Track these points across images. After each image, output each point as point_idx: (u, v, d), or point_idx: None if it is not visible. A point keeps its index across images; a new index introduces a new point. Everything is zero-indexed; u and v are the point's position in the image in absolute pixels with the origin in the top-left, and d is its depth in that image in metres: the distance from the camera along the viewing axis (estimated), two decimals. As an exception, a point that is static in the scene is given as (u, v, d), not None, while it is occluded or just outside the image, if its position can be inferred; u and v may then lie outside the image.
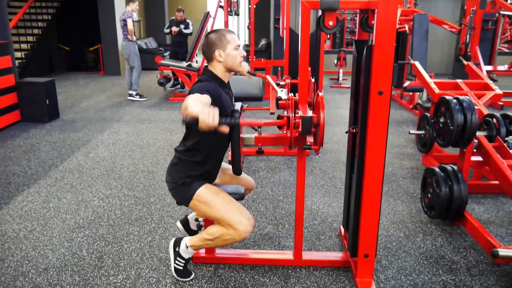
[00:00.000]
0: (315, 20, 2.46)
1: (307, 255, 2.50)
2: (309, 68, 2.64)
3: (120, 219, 3.03)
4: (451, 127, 2.64)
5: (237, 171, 2.14)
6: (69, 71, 10.95)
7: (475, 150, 2.91)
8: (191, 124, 1.64)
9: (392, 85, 6.32)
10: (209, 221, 2.36)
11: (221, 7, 7.03)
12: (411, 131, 3.79)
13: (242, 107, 2.20)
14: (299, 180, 2.29)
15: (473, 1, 7.73)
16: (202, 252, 2.51)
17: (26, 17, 9.39)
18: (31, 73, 8.72)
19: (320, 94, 2.00)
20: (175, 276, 2.31)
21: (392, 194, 3.48)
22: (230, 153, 3.56)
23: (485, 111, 3.32)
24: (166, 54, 10.41)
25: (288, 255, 2.50)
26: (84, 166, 4.08)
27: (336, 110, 6.78)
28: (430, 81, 3.84)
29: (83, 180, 3.73)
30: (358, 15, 2.28)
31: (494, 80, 7.44)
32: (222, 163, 2.36)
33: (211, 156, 2.12)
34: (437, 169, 2.86)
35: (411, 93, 6.70)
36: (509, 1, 7.74)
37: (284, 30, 4.71)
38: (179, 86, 8.31)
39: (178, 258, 2.29)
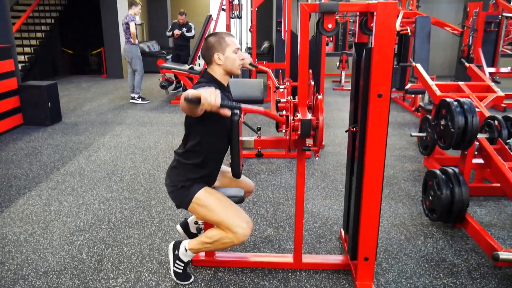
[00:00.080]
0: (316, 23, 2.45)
1: (307, 258, 2.49)
2: (310, 71, 2.65)
3: (121, 222, 3.03)
4: (452, 130, 2.63)
5: (236, 174, 2.13)
6: (72, 74, 11.00)
7: (476, 153, 2.90)
8: (194, 102, 1.63)
9: (394, 87, 6.34)
10: (208, 224, 2.35)
11: (223, 10, 7.05)
12: (413, 134, 3.79)
13: (241, 110, 2.19)
14: (299, 183, 2.29)
15: (476, 3, 7.71)
16: (202, 255, 2.50)
17: (30, 21, 9.46)
18: (34, 77, 8.77)
19: (319, 97, 2.00)
20: (175, 279, 2.31)
21: (394, 197, 3.47)
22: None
23: (487, 113, 3.31)
24: (168, 57, 10.44)
25: (288, 258, 2.49)
26: (86, 169, 4.09)
27: (338, 112, 6.77)
28: (432, 83, 3.83)
29: (84, 183, 3.74)
30: (358, 17, 2.27)
31: (497, 82, 7.43)
32: (222, 166, 2.36)
33: (210, 158, 2.12)
34: (438, 172, 2.85)
35: (413, 96, 6.68)
36: None
37: (286, 33, 4.71)
38: (181, 89, 8.33)
39: (177, 261, 2.28)
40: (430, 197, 2.90)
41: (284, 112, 2.10)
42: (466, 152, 2.90)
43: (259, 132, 2.26)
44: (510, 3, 7.62)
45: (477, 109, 2.68)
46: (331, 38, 10.68)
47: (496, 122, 3.11)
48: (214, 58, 2.06)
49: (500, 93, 3.75)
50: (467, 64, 4.30)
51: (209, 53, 2.06)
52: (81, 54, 11.06)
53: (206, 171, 2.14)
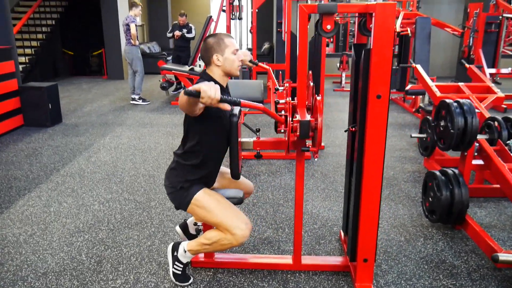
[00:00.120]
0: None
1: (306, 260, 2.48)
2: (310, 72, 2.65)
3: (120, 223, 3.03)
4: (452, 131, 2.63)
5: (235, 175, 2.13)
6: (73, 75, 11.01)
7: (476, 154, 2.89)
8: (193, 95, 1.63)
9: (395, 88, 6.34)
10: (208, 226, 2.35)
11: (223, 11, 7.05)
12: (413, 135, 3.78)
13: (240, 111, 2.19)
14: (298, 184, 2.28)
15: (476, 4, 7.71)
16: (201, 256, 2.50)
17: (30, 22, 9.47)
18: (35, 78, 8.78)
19: (318, 98, 2.00)
20: (174, 280, 2.31)
21: (394, 198, 3.46)
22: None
23: (487, 114, 3.30)
24: (169, 58, 10.45)
25: (287, 259, 2.49)
26: (86, 170, 4.09)
27: (339, 113, 6.76)
28: (432, 84, 3.82)
29: (84, 184, 3.74)
30: (356, 18, 2.27)
31: (497, 83, 7.41)
32: (221, 167, 2.36)
33: (209, 158, 2.12)
34: (438, 173, 2.85)
35: (413, 96, 6.67)
36: (512, 4, 7.70)
37: (286, 34, 4.71)
38: (181, 90, 8.33)
39: (176, 263, 2.28)
40: (430, 198, 2.89)
41: (283, 112, 2.09)
42: (466, 153, 2.89)
43: (258, 134, 2.26)
44: (510, 4, 7.62)
45: (477, 110, 2.68)
46: (331, 39, 10.68)
47: (496, 123, 3.10)
48: (213, 59, 2.06)
49: (500, 94, 3.75)
50: (467, 65, 4.29)
51: (208, 54, 2.06)
52: (82, 55, 11.07)
53: (205, 172, 2.14)
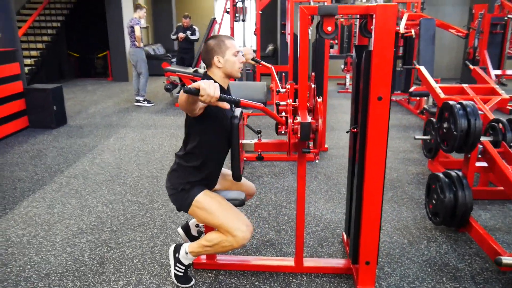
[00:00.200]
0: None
1: (308, 262, 2.48)
2: (313, 73, 2.64)
3: (123, 225, 3.04)
4: (455, 132, 2.61)
5: (236, 177, 2.13)
6: (78, 77, 11.07)
7: (480, 156, 2.87)
8: (193, 93, 1.63)
9: (399, 89, 6.32)
10: (209, 227, 2.35)
11: (227, 12, 7.07)
12: (416, 136, 3.77)
13: (242, 112, 2.19)
14: (300, 186, 2.28)
15: (481, 5, 7.68)
16: (203, 258, 2.50)
17: (36, 25, 9.54)
18: (40, 80, 8.83)
19: (319, 99, 1.99)
20: (175, 282, 2.31)
21: (397, 200, 3.45)
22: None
23: (491, 116, 3.28)
24: (174, 60, 10.48)
25: (289, 261, 2.48)
26: (89, 172, 4.10)
27: (343, 115, 6.74)
28: (436, 85, 3.81)
29: (87, 186, 3.76)
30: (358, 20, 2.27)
31: (503, 85, 7.37)
32: (223, 168, 2.36)
33: (210, 159, 2.12)
34: (441, 175, 2.83)
35: (418, 98, 6.65)
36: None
37: (289, 36, 4.71)
38: (184, 91, 8.34)
39: (178, 264, 2.28)
40: (434, 201, 2.87)
41: (284, 114, 2.09)
42: (469, 155, 2.87)
43: (259, 135, 2.26)
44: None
45: (481, 112, 2.67)
46: (336, 41, 10.67)
47: (500, 125, 3.08)
48: (214, 61, 2.06)
49: (505, 96, 3.71)
50: (471, 67, 4.27)
51: (208, 56, 2.07)
52: (87, 57, 11.13)
53: (206, 173, 2.14)
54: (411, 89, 5.08)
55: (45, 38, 9.48)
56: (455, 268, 2.49)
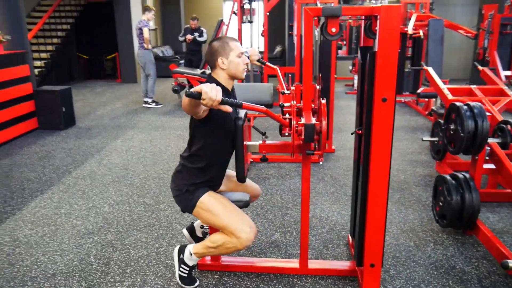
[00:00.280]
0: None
1: (313, 264, 2.47)
2: (320, 75, 2.64)
3: (129, 226, 3.05)
4: (462, 134, 2.59)
5: (241, 178, 2.13)
6: (88, 79, 11.17)
7: (487, 158, 2.84)
8: (194, 97, 1.64)
9: (408, 91, 6.28)
10: (214, 229, 2.35)
11: (235, 13, 7.08)
12: (424, 138, 3.73)
13: (246, 114, 2.20)
14: (304, 187, 2.27)
15: (491, 6, 7.59)
16: (208, 259, 2.50)
17: (46, 27, 9.64)
18: (50, 81, 8.92)
19: (323, 101, 1.99)
20: (180, 283, 2.32)
21: (404, 202, 3.42)
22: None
23: (499, 118, 3.24)
24: (182, 61, 10.52)
25: (294, 263, 2.48)
26: (97, 173, 4.13)
27: (351, 116, 6.71)
28: (443, 87, 3.77)
29: (95, 187, 3.78)
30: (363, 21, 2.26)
31: (513, 86, 7.27)
32: (228, 170, 2.36)
33: (214, 162, 2.13)
34: (448, 177, 2.80)
35: (426, 99, 6.60)
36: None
37: (296, 37, 4.71)
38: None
39: (182, 265, 2.29)
40: (440, 203, 2.85)
41: (287, 116, 2.09)
42: (477, 157, 2.84)
43: (264, 137, 2.26)
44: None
45: (489, 113, 2.64)
46: (344, 42, 10.63)
47: (508, 127, 3.04)
48: (218, 62, 2.06)
49: (514, 97, 3.67)
50: (480, 67, 4.22)
51: (213, 57, 2.07)
52: (96, 59, 11.23)
53: (210, 175, 2.15)
54: (419, 90, 5.04)
55: (55, 40, 9.58)
56: (462, 271, 2.46)
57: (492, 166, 2.94)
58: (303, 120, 1.98)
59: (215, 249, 2.15)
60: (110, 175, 4.07)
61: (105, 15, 10.64)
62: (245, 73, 2.15)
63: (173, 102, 7.91)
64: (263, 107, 1.90)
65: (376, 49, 1.88)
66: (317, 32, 4.35)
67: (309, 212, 3.18)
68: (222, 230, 2.12)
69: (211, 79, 2.12)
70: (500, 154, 2.71)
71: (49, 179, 3.97)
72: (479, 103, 2.66)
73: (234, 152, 2.14)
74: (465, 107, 2.64)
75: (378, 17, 1.81)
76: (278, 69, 3.18)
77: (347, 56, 10.39)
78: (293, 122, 2.00)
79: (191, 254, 2.25)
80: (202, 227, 2.56)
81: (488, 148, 2.81)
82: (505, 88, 3.77)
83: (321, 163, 4.34)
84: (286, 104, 2.14)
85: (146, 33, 7.11)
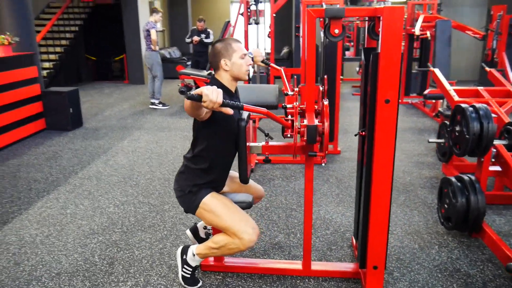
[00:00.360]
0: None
1: (316, 266, 2.46)
2: (326, 76, 2.63)
3: (134, 226, 3.07)
4: (467, 136, 2.56)
5: (243, 180, 2.14)
6: (96, 80, 11.25)
7: (493, 160, 2.81)
8: (195, 99, 1.64)
9: (415, 92, 6.24)
10: (217, 230, 2.35)
11: (241, 14, 7.08)
12: (430, 140, 3.71)
13: (249, 115, 2.20)
14: (307, 189, 2.27)
15: (500, 6, 7.51)
16: (211, 260, 2.51)
17: (55, 29, 9.74)
18: (59, 83, 9.01)
19: (325, 102, 1.98)
20: (183, 284, 2.32)
21: (409, 204, 3.40)
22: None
23: (506, 119, 3.20)
24: (189, 63, 10.56)
25: (297, 265, 2.47)
26: (103, 173, 4.16)
27: (357, 118, 6.67)
28: (450, 88, 3.74)
29: (100, 187, 3.81)
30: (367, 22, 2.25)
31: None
32: (231, 171, 2.36)
33: (216, 163, 2.13)
34: (453, 179, 2.78)
35: (433, 101, 6.55)
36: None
37: (302, 39, 4.71)
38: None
39: (185, 266, 2.30)
40: (446, 205, 2.83)
41: (289, 117, 2.09)
42: (482, 159, 2.82)
43: (267, 138, 2.26)
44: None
45: (495, 115, 2.61)
46: (352, 43, 10.60)
47: (515, 128, 3.01)
48: (221, 64, 2.07)
49: (522, 98, 3.63)
50: (487, 69, 4.19)
51: (216, 59, 2.08)
52: (104, 61, 11.31)
53: (213, 176, 2.15)
54: (426, 92, 5.00)
55: (63, 42, 9.67)
56: (467, 274, 2.44)
57: (498, 168, 2.91)
58: (305, 122, 1.98)
59: (218, 250, 2.15)
60: (116, 176, 4.09)
61: (113, 17, 10.72)
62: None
63: (179, 104, 7.93)
64: (264, 109, 1.90)
65: (379, 50, 1.88)
66: (322, 33, 4.34)
67: (314, 213, 3.19)
68: (224, 231, 2.13)
69: (214, 81, 2.13)
70: (506, 156, 2.68)
71: (55, 180, 4.01)
72: (485, 105, 2.63)
73: (237, 154, 2.14)
74: (471, 108, 2.61)
75: (381, 18, 1.80)
76: (282, 70, 3.18)
77: (354, 58, 10.36)
78: (295, 123, 2.00)
79: (194, 255, 2.26)
80: (205, 228, 2.57)
81: (494, 150, 2.78)
82: (513, 89, 3.73)
83: (323, 164, 4.32)
84: (288, 106, 2.14)
85: (153, 34, 7.15)
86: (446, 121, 3.76)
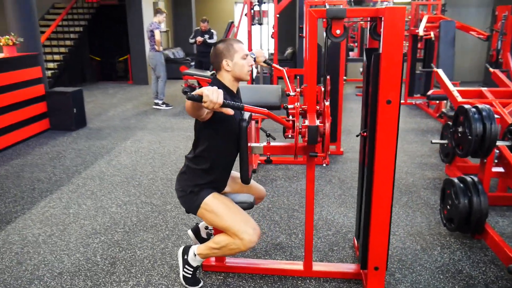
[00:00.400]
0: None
1: (317, 266, 2.46)
2: (328, 77, 2.63)
3: (136, 226, 3.08)
4: (470, 137, 2.55)
5: (245, 180, 2.14)
6: (100, 80, 11.29)
7: (496, 161, 2.80)
8: (195, 100, 1.65)
9: (419, 93, 6.21)
10: (218, 230, 2.35)
11: (245, 15, 7.09)
12: (433, 141, 3.69)
13: (251, 116, 2.20)
14: (309, 189, 2.26)
15: (505, 7, 7.48)
16: (212, 260, 2.51)
17: (59, 29, 9.80)
18: (63, 83, 9.06)
19: (327, 103, 1.98)
20: (184, 284, 2.33)
21: (412, 205, 3.39)
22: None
23: (510, 120, 3.18)
24: (193, 63, 10.58)
25: (298, 265, 2.47)
26: (106, 173, 4.18)
27: (360, 118, 6.66)
28: (453, 89, 3.72)
29: (103, 187, 3.82)
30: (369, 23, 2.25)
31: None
32: (233, 171, 2.36)
33: (218, 163, 2.13)
34: (456, 180, 2.77)
35: (437, 102, 6.53)
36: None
37: (304, 39, 4.71)
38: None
39: (186, 266, 2.30)
40: (448, 206, 2.81)
41: (291, 117, 2.09)
42: (485, 160, 2.80)
43: (268, 138, 2.26)
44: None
45: (499, 116, 2.60)
46: (356, 43, 10.58)
47: (519, 129, 2.99)
48: (223, 64, 2.07)
49: (526, 99, 3.61)
50: (491, 69, 4.17)
51: (217, 59, 2.08)
52: (109, 61, 11.36)
53: (214, 176, 2.15)
54: (429, 93, 4.98)
55: (68, 42, 9.72)
56: (469, 276, 2.42)
57: (501, 169, 2.90)
58: (306, 122, 1.98)
59: (219, 250, 2.16)
60: (118, 176, 4.11)
61: (117, 18, 10.76)
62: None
63: (183, 104, 7.94)
64: (264, 110, 1.90)
65: (380, 50, 1.87)
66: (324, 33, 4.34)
67: (316, 214, 3.19)
68: (225, 231, 2.13)
69: (216, 81, 2.13)
70: (510, 157, 2.67)
71: (59, 179, 4.03)
72: (488, 106, 2.62)
73: (238, 154, 2.14)
74: (473, 109, 2.60)
75: (383, 18, 1.80)
76: (284, 70, 3.18)
77: (358, 58, 10.34)
78: (296, 123, 2.00)
79: (195, 255, 2.26)
80: (206, 228, 2.57)
81: (497, 151, 2.77)
82: (517, 90, 3.71)
83: (325, 165, 4.31)
84: (290, 106, 2.14)
85: (157, 35, 7.17)
86: (449, 122, 3.75)
